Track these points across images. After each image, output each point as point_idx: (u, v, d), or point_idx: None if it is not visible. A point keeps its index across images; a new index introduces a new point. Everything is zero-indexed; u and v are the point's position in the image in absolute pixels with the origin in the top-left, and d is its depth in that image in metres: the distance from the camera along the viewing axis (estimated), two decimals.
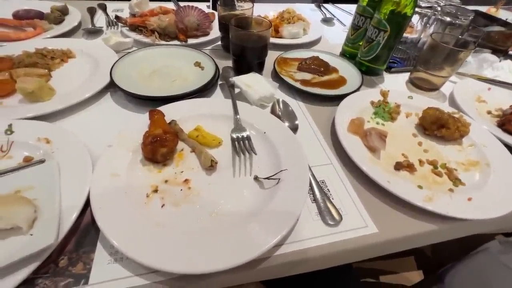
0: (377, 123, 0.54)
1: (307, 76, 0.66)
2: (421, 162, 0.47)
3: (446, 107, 0.57)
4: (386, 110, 0.56)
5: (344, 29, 0.97)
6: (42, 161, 0.39)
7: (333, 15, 1.05)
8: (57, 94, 0.52)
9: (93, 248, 0.32)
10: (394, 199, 0.40)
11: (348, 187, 0.43)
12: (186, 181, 0.40)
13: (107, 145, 0.41)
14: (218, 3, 0.67)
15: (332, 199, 0.40)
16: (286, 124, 0.50)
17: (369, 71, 0.70)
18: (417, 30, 0.81)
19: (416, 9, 0.69)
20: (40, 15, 0.76)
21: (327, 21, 1.00)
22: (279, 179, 0.40)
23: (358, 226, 0.37)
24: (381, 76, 0.72)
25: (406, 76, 0.73)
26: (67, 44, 0.66)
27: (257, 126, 0.48)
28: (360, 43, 0.71)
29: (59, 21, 0.77)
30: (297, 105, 0.58)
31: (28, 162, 0.39)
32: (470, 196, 0.41)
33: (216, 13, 0.85)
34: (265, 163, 0.43)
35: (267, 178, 0.40)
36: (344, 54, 0.77)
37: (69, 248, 0.32)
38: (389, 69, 0.74)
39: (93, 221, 0.34)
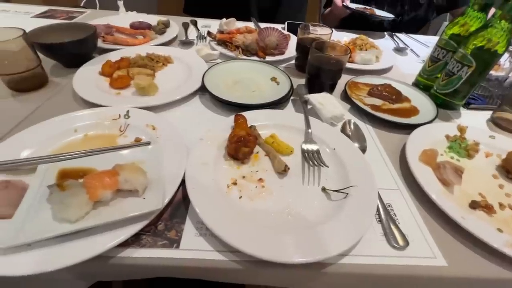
0: (451, 157, 0.53)
1: (377, 101, 0.67)
2: (501, 205, 0.44)
3: None
4: (463, 146, 0.54)
5: (417, 60, 0.95)
6: (148, 143, 0.48)
7: (407, 45, 1.04)
8: (159, 91, 0.63)
9: (183, 221, 0.38)
10: (468, 236, 0.38)
11: (416, 215, 0.42)
12: (260, 180, 0.44)
13: (199, 138, 0.48)
14: (300, 27, 0.74)
15: (398, 223, 0.41)
16: (356, 144, 0.52)
17: (445, 105, 0.68)
18: (505, 68, 0.76)
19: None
20: (149, 27, 0.92)
21: (400, 50, 0.99)
22: (347, 194, 0.42)
23: (425, 255, 0.37)
24: (457, 111, 0.69)
25: (486, 114, 0.69)
26: (168, 52, 0.79)
27: (327, 141, 0.51)
28: (438, 76, 0.70)
29: (162, 32, 0.92)
30: (365, 128, 0.59)
31: (138, 142, 0.49)
32: None
33: (291, 35, 0.93)
34: (332, 177, 0.46)
35: (336, 190, 0.42)
36: (417, 85, 0.76)
37: (165, 217, 0.39)
38: (467, 105, 0.70)
39: (183, 198, 0.41)
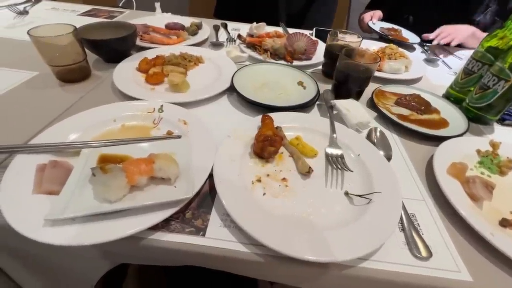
0: (482, 173, 0.51)
1: (404, 111, 0.66)
2: None
3: None
4: (495, 163, 0.52)
5: (449, 71, 0.92)
6: (179, 137, 0.51)
7: (438, 56, 1.01)
8: (190, 89, 0.66)
9: (209, 211, 0.40)
10: (496, 254, 0.37)
11: (440, 227, 0.42)
12: (284, 179, 0.46)
13: (226, 135, 0.51)
14: (330, 33, 0.75)
15: (422, 234, 0.40)
16: (381, 152, 0.52)
17: (477, 119, 0.65)
18: None
19: None
20: (183, 28, 0.97)
21: (430, 61, 0.97)
22: (371, 199, 0.42)
23: (449, 268, 0.36)
24: (490, 126, 0.66)
25: None
26: (200, 52, 0.82)
27: (351, 147, 0.52)
28: (471, 89, 0.68)
29: (194, 33, 0.96)
30: (391, 137, 0.59)
31: (170, 135, 0.52)
32: None
33: (319, 41, 0.94)
34: (355, 182, 0.46)
35: (360, 195, 0.42)
36: (448, 97, 0.74)
37: (193, 206, 0.41)
38: (502, 121, 0.67)
39: (210, 190, 0.43)
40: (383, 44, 0.95)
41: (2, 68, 0.68)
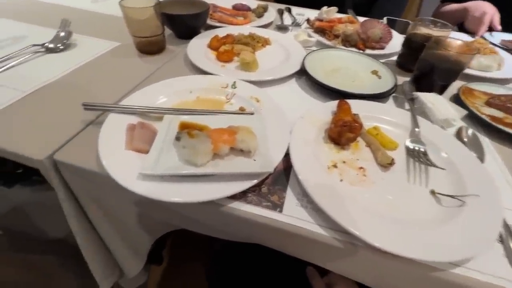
0: None
1: (497, 113, 0.58)
2: None
3: None
4: None
5: None
6: (252, 113, 0.51)
7: None
8: (259, 69, 0.66)
9: (284, 189, 0.40)
10: None
11: None
12: (361, 168, 0.43)
13: (299, 116, 0.49)
14: (415, 20, 0.68)
15: None
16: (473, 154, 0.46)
17: None
18: None
19: None
20: (249, 9, 0.97)
21: None
22: (464, 202, 0.38)
23: None
24: None
25: None
26: (267, 34, 0.81)
27: (436, 143, 0.47)
28: None
29: (260, 15, 0.95)
30: (481, 140, 0.52)
31: (242, 111, 0.52)
32: None
33: (393, 31, 0.87)
34: (442, 181, 0.42)
35: (452, 196, 0.38)
36: None
37: (268, 182, 0.41)
38: None
39: (284, 169, 0.43)
40: (469, 38, 0.85)
41: (90, 37, 0.74)
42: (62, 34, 0.70)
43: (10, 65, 0.59)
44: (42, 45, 0.66)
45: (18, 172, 0.59)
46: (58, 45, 0.67)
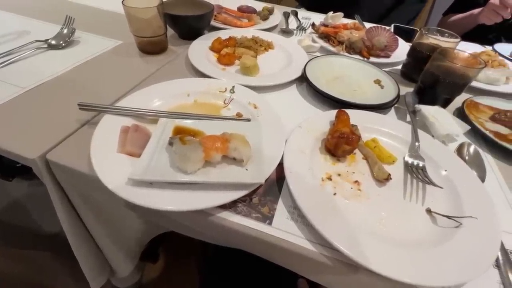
0: None
1: (502, 129, 0.56)
2: None
3: None
4: None
5: None
6: (248, 120, 0.50)
7: None
8: (260, 74, 0.65)
9: (276, 200, 0.39)
10: None
11: None
12: (356, 182, 0.42)
13: (297, 125, 0.48)
14: (422, 29, 0.66)
15: None
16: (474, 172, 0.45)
17: None
18: None
19: None
20: (254, 11, 0.96)
21: None
22: (461, 223, 0.36)
23: None
24: None
25: None
26: (270, 37, 0.80)
27: (436, 160, 0.46)
28: None
29: (265, 18, 0.94)
30: (483, 157, 0.51)
31: (239, 117, 0.51)
32: None
33: (399, 39, 0.85)
34: (439, 200, 0.40)
35: (448, 216, 0.37)
36: None
37: (259, 192, 0.40)
38: None
39: (277, 179, 0.42)
40: (478, 49, 0.83)
41: (93, 34, 0.74)
42: (66, 31, 0.70)
43: (11, 60, 0.59)
44: (45, 41, 0.66)
45: (18, 166, 0.60)
46: (60, 42, 0.67)
